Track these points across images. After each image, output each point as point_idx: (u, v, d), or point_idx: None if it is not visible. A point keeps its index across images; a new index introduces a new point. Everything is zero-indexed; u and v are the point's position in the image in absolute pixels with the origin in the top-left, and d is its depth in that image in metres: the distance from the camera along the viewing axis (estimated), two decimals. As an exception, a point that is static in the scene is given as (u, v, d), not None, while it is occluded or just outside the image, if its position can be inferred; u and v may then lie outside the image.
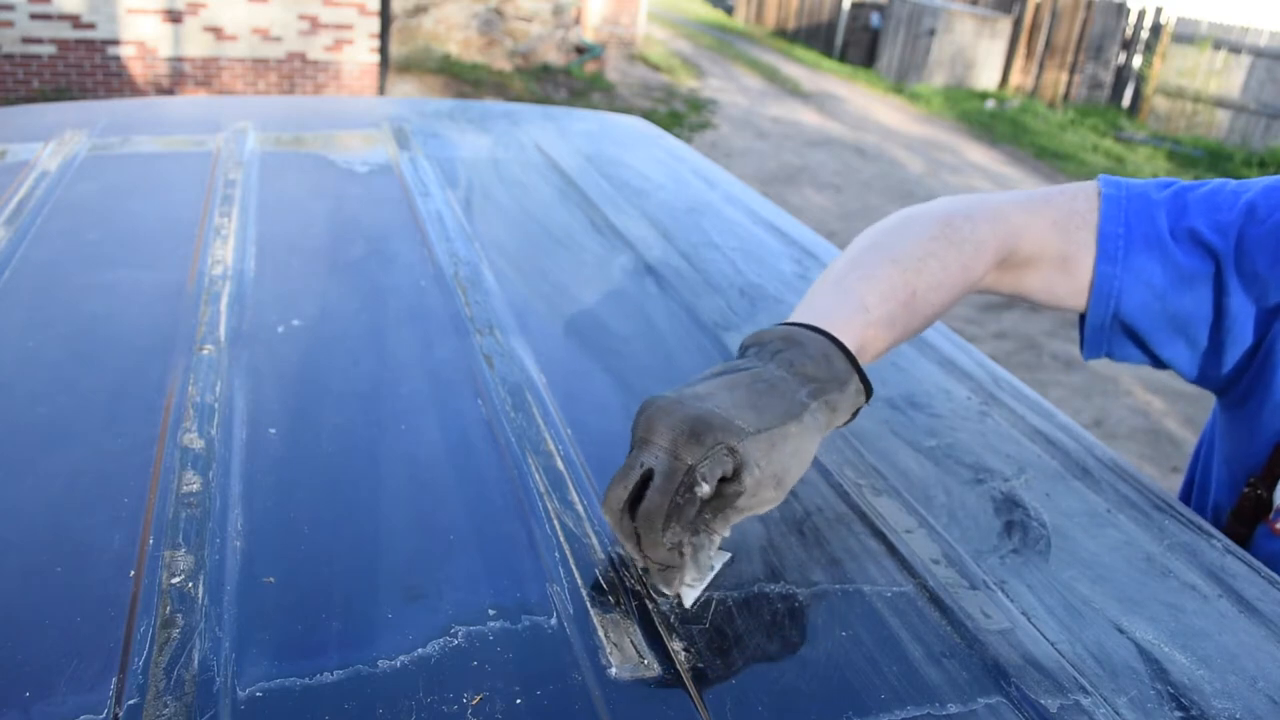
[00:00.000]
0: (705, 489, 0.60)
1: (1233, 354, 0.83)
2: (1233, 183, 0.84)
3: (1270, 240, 0.79)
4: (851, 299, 0.75)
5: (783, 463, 0.63)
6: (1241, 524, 0.85)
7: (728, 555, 0.67)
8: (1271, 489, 0.83)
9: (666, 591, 0.63)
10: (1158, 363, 0.88)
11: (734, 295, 1.14)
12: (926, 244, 0.80)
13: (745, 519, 0.66)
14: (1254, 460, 0.84)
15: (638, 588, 0.63)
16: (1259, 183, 0.83)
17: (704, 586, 0.64)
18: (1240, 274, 0.80)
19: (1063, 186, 0.87)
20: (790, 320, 0.73)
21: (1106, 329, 0.85)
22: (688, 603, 0.63)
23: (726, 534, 0.63)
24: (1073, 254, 0.84)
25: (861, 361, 0.72)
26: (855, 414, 0.71)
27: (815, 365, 0.68)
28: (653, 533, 0.60)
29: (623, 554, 0.66)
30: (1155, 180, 0.86)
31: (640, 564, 0.64)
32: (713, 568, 0.65)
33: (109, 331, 0.92)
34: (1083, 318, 0.87)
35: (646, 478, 0.61)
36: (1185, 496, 0.99)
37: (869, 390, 0.70)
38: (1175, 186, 0.84)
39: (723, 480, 0.61)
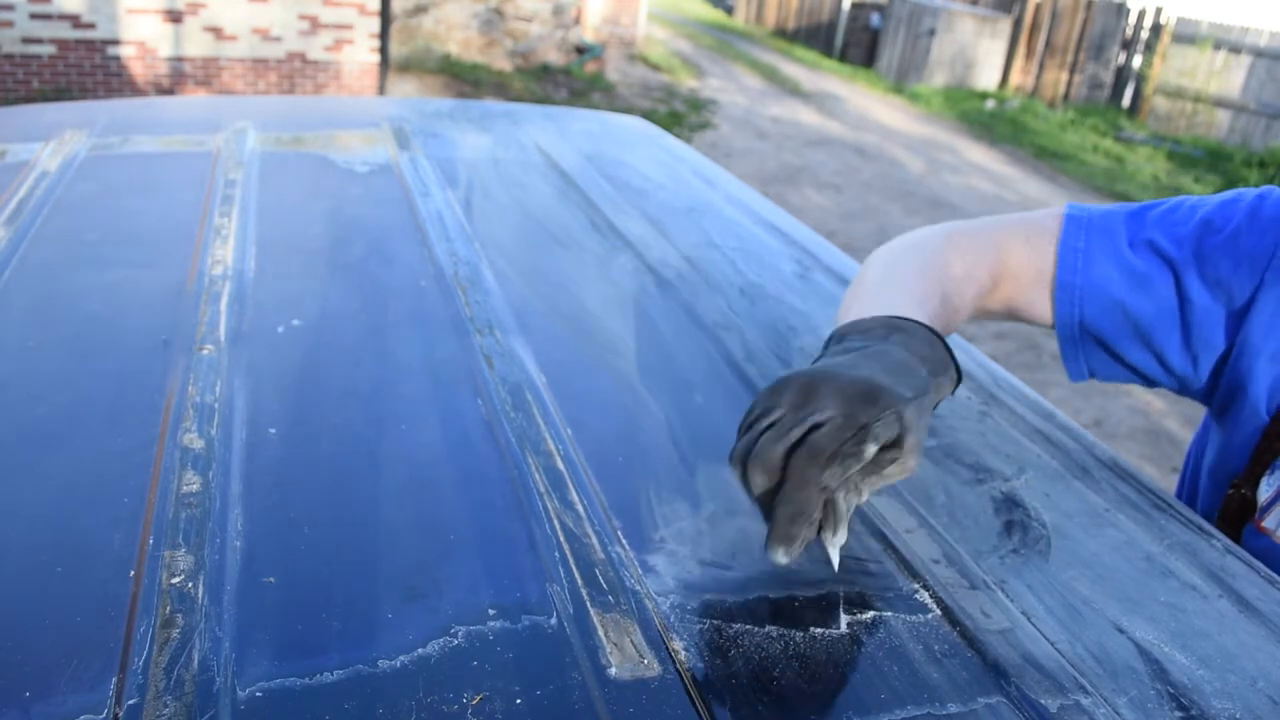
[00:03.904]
0: (872, 449, 0.60)
1: (1206, 360, 0.85)
2: (1192, 199, 0.87)
3: (1229, 247, 0.81)
4: (902, 300, 0.77)
5: (925, 434, 0.65)
6: (1228, 525, 0.86)
7: (845, 536, 0.65)
8: (1254, 488, 0.83)
9: (782, 555, 0.61)
10: (1142, 378, 0.89)
11: (734, 295, 1.14)
12: (943, 255, 0.86)
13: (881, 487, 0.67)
14: (1236, 463, 0.85)
15: (637, 588, 0.63)
16: (1214, 198, 0.86)
17: (833, 556, 0.64)
18: (1203, 279, 0.82)
19: (1034, 211, 0.92)
20: (862, 316, 0.75)
21: (1077, 340, 0.89)
22: (835, 562, 0.63)
23: (864, 500, 0.64)
24: (1043, 268, 0.88)
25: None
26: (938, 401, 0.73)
27: (925, 347, 0.70)
28: (811, 470, 0.59)
29: (622, 554, 0.66)
30: (1122, 204, 0.90)
31: (765, 516, 0.62)
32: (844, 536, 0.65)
33: (109, 331, 0.92)
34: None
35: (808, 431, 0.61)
36: None
37: (960, 375, 0.73)
38: (1137, 207, 0.88)
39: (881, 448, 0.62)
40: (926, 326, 0.73)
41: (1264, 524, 0.82)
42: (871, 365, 0.66)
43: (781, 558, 0.61)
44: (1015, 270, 0.88)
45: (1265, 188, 0.84)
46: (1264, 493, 0.82)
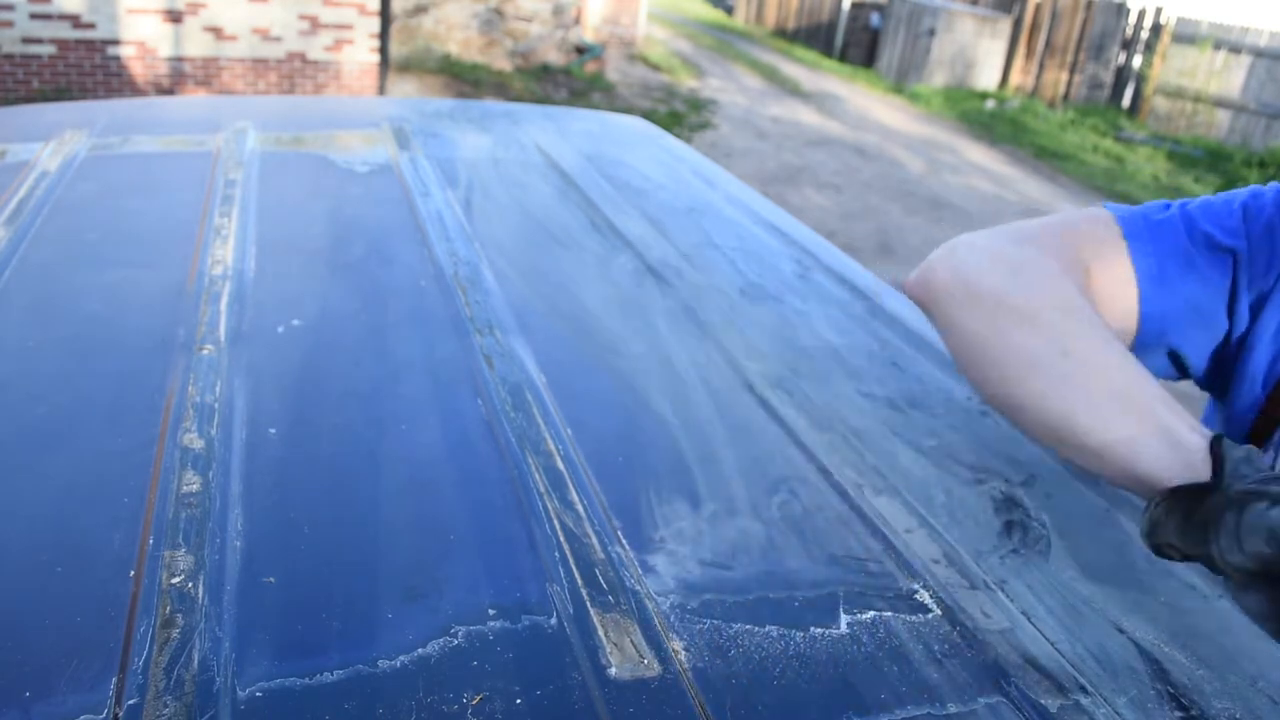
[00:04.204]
0: None
1: (1232, 347, 0.85)
2: (1219, 195, 0.87)
3: (1267, 237, 0.82)
4: (1150, 390, 0.70)
5: None
6: None
7: None
8: None
9: None
10: (1181, 370, 0.89)
11: (734, 295, 1.14)
12: (1063, 283, 0.77)
13: None
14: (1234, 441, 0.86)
15: (637, 588, 0.63)
16: (1242, 191, 0.86)
17: None
18: (1250, 269, 0.83)
19: (1072, 216, 0.86)
20: (1204, 434, 0.67)
21: (1152, 348, 0.85)
22: None
23: None
24: (1117, 292, 0.82)
25: None
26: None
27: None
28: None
29: (622, 554, 0.66)
30: (1159, 204, 0.87)
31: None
32: None
33: (109, 331, 0.92)
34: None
35: None
36: None
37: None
38: (1173, 206, 0.86)
39: None
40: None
41: None
42: None
43: None
44: (1094, 290, 0.82)
45: (1275, 184, 0.85)
46: None
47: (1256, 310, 0.83)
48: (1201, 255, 0.84)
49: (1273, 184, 0.86)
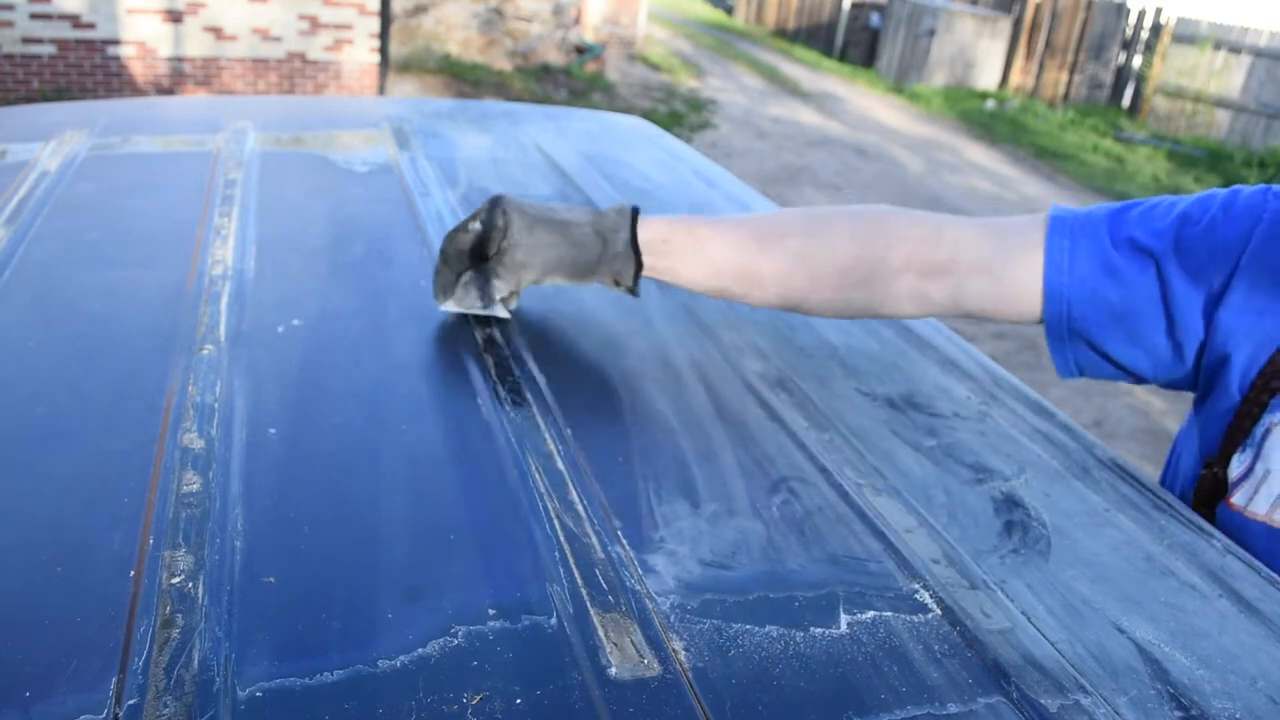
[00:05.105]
0: (476, 226, 0.94)
1: (1189, 349, 0.86)
2: (1171, 198, 0.90)
3: (1205, 237, 0.84)
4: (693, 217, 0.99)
5: (541, 243, 0.94)
6: (1202, 505, 0.87)
7: (506, 315, 0.97)
8: (1225, 467, 0.85)
9: (440, 303, 0.97)
10: (1129, 374, 0.91)
11: (734, 295, 1.13)
12: (846, 220, 0.96)
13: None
14: (1211, 444, 0.87)
15: (638, 588, 0.63)
16: (1192, 196, 0.89)
17: (457, 308, 0.96)
18: (1183, 269, 0.84)
19: (1023, 217, 0.94)
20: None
21: (1065, 339, 0.90)
22: (438, 304, 0.97)
23: (502, 279, 0.95)
24: (1011, 267, 0.90)
25: (649, 236, 0.95)
26: (636, 279, 0.95)
27: (610, 211, 0.96)
28: (444, 243, 0.96)
29: (622, 554, 0.66)
30: (1104, 204, 0.92)
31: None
32: (485, 304, 0.95)
33: (109, 331, 0.92)
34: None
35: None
36: None
37: (639, 258, 0.94)
38: (1118, 206, 0.91)
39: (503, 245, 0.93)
40: (632, 207, 0.96)
41: (1233, 500, 0.84)
42: (542, 203, 0.99)
43: (436, 303, 0.97)
44: (969, 261, 0.90)
45: (1239, 185, 0.87)
46: (1234, 470, 0.84)
47: (1210, 313, 0.84)
48: (1121, 255, 0.87)
49: (1260, 185, 0.87)
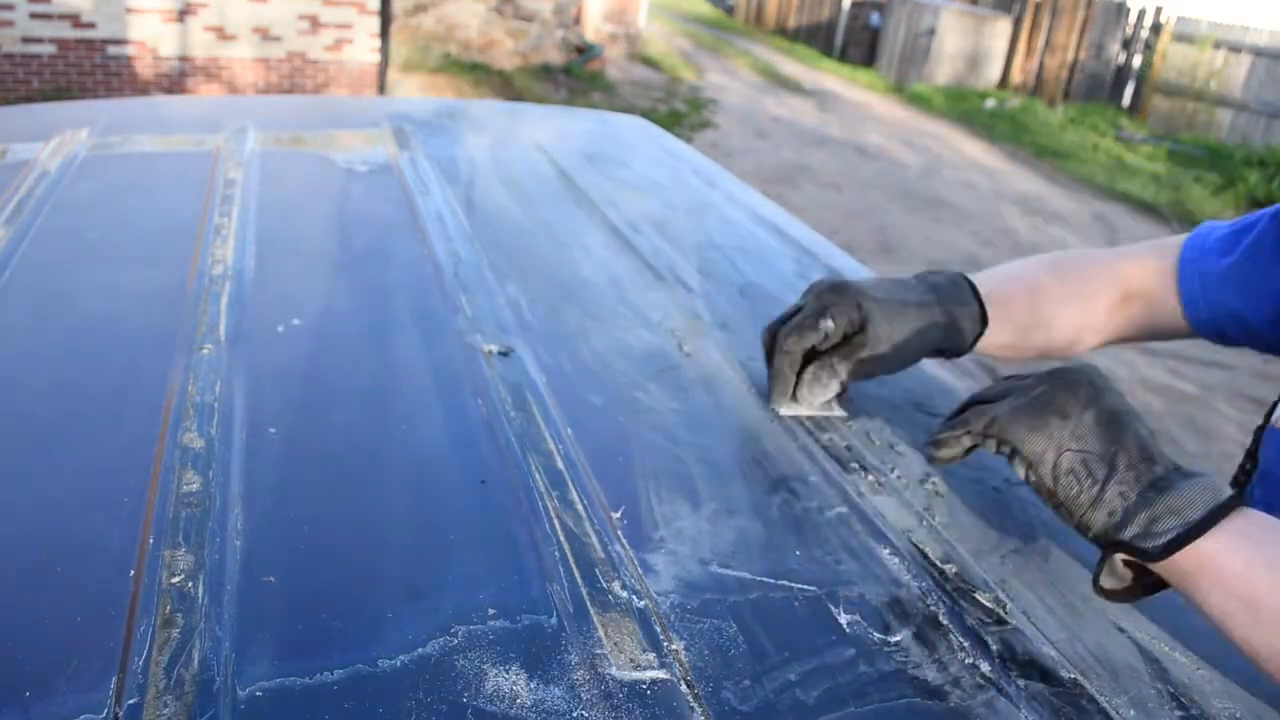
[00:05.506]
0: (829, 324, 0.84)
1: None
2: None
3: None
4: (990, 273, 0.96)
5: (902, 332, 0.84)
6: (1249, 457, 0.87)
7: (843, 414, 0.89)
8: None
9: (774, 405, 0.88)
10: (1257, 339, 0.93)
11: (734, 295, 1.14)
12: (1047, 262, 0.99)
13: (864, 383, 0.91)
14: None
15: (638, 588, 0.63)
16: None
17: (801, 410, 0.88)
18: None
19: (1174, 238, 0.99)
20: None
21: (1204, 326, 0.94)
22: (776, 408, 0.88)
23: (843, 376, 0.85)
24: (1165, 285, 0.94)
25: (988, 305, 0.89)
26: (975, 340, 0.89)
27: (944, 283, 0.89)
28: (783, 340, 0.85)
29: (622, 554, 0.66)
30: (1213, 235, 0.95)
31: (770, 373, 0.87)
32: (825, 401, 0.88)
33: (109, 331, 0.92)
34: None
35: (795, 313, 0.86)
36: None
37: (984, 318, 0.89)
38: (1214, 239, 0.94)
39: (852, 335, 0.85)
40: (962, 275, 0.90)
41: (1275, 422, 0.83)
42: (871, 281, 0.87)
43: (774, 407, 0.88)
44: (1138, 289, 0.95)
45: None
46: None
47: None
48: (1237, 226, 0.91)
49: None
